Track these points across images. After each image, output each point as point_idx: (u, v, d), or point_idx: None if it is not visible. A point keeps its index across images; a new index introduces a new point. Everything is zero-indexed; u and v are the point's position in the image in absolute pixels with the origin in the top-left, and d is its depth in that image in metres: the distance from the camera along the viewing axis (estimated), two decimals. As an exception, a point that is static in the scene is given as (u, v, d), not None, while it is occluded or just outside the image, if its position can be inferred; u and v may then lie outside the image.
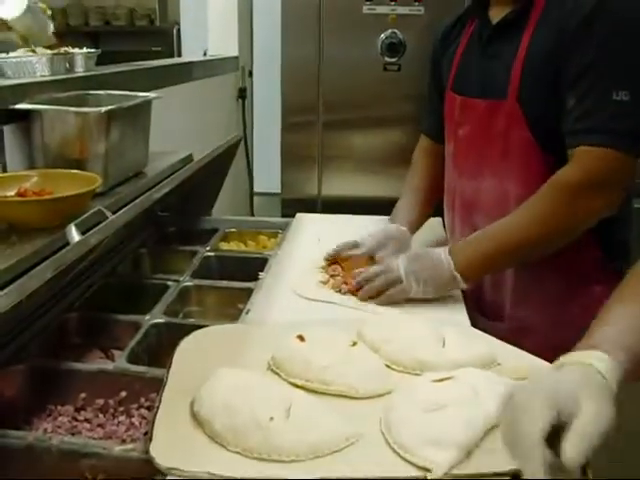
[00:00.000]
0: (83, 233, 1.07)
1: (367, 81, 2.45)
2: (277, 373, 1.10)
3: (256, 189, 3.60)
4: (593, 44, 1.27)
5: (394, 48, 2.38)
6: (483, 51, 1.50)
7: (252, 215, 3.52)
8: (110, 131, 1.43)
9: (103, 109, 1.39)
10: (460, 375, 1.03)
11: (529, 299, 1.48)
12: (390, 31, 2.39)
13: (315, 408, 0.97)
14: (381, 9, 2.37)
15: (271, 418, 0.91)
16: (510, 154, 1.41)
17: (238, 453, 0.91)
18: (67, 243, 1.10)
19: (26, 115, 1.45)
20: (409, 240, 1.64)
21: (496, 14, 1.47)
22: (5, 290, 0.83)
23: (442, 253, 1.39)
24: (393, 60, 2.41)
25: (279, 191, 2.76)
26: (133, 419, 1.16)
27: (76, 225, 1.08)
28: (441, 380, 1.01)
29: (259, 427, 0.91)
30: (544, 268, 1.43)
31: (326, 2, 2.34)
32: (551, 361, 1.15)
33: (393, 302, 1.39)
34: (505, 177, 1.43)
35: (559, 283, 1.44)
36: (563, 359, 0.90)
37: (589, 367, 0.84)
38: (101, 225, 1.08)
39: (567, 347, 1.26)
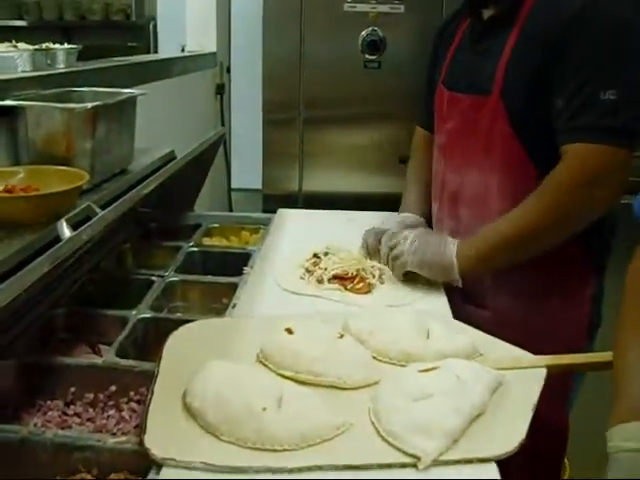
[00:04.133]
0: (73, 229, 1.08)
1: (348, 78, 2.47)
2: (266, 365, 1.12)
3: (233, 185, 3.61)
4: (578, 47, 1.31)
5: (374, 46, 2.40)
6: (473, 47, 1.55)
7: (230, 211, 3.53)
8: (96, 128, 1.44)
9: (90, 105, 1.40)
10: (445, 365, 1.06)
11: (509, 290, 1.51)
12: (371, 29, 2.41)
13: (306, 398, 1.00)
14: (362, 7, 2.39)
15: (264, 408, 0.94)
16: (493, 149, 1.45)
17: (232, 443, 0.93)
18: (56, 238, 1.10)
19: (10, 111, 1.45)
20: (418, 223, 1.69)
21: (489, 12, 1.51)
22: (3, 284, 0.84)
23: (450, 242, 1.44)
24: (373, 57, 2.43)
25: (257, 187, 2.78)
26: (123, 413, 1.16)
27: (66, 220, 1.09)
28: (427, 370, 1.04)
29: (252, 417, 0.93)
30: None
31: (307, -1, 2.37)
32: (529, 349, 1.19)
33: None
34: (488, 171, 1.47)
35: (539, 275, 1.47)
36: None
37: None
38: (92, 221, 1.09)
39: (545, 336, 1.31)
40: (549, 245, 1.39)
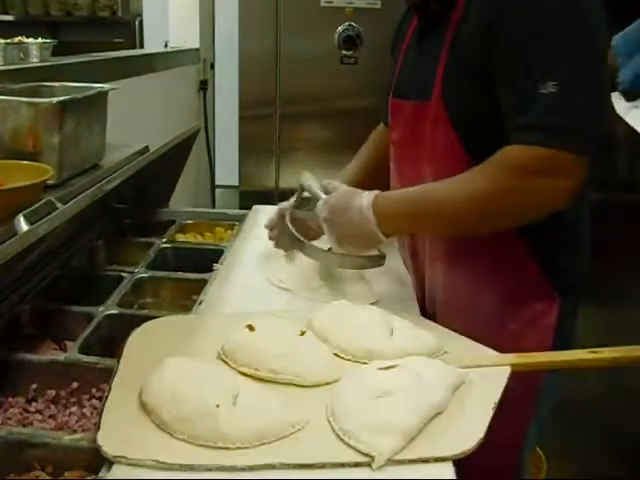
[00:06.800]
0: (33, 224, 1.07)
1: (324, 74, 2.46)
2: (226, 362, 1.11)
3: (218, 182, 3.60)
4: (515, 37, 1.17)
5: (351, 41, 2.40)
6: (417, 47, 1.41)
7: (213, 208, 3.51)
8: (63, 122, 1.42)
9: (55, 100, 1.39)
10: (406, 363, 1.05)
11: (460, 314, 1.39)
12: (347, 24, 2.40)
13: (262, 396, 0.99)
14: (338, 2, 2.38)
15: (217, 405, 0.93)
16: (438, 160, 1.33)
17: (185, 441, 0.92)
18: (16, 234, 1.09)
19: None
20: None
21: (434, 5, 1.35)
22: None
23: (364, 209, 1.28)
24: (350, 53, 2.43)
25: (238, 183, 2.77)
26: (84, 409, 1.16)
27: (25, 215, 1.08)
28: (387, 368, 1.03)
29: (205, 414, 0.92)
30: (476, 284, 1.36)
31: (284, -6, 2.37)
32: None
33: None
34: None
35: (492, 300, 1.36)
36: None
37: None
38: (51, 215, 1.08)
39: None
40: (475, 228, 1.27)
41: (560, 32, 1.15)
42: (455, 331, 1.30)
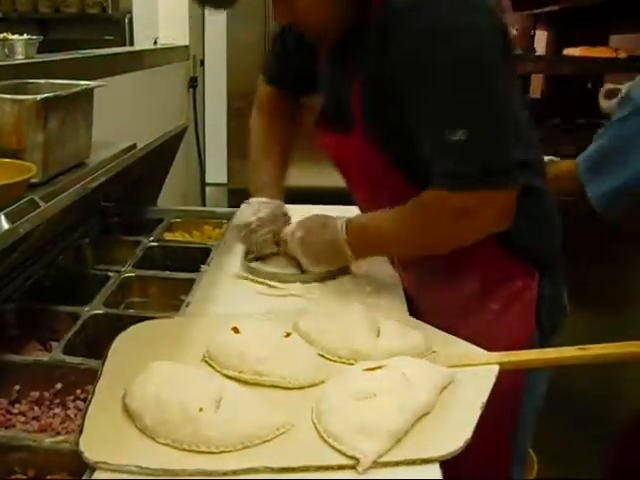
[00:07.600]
0: (14, 223, 1.05)
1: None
2: (211, 365, 1.10)
3: (208, 180, 3.57)
4: (420, 91, 1.18)
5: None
6: (332, 62, 1.41)
7: (204, 206, 3.50)
8: (48, 120, 1.40)
9: (39, 97, 1.37)
10: (392, 363, 1.04)
11: (438, 297, 1.44)
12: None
13: (246, 399, 0.98)
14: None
15: (200, 409, 0.91)
16: (377, 185, 1.38)
17: (168, 445, 0.91)
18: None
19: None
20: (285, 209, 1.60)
21: None
22: None
23: (339, 230, 1.37)
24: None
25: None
26: (68, 411, 1.15)
27: (6, 214, 1.06)
28: (372, 369, 1.02)
29: (188, 419, 0.91)
30: (453, 272, 1.39)
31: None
32: None
33: None
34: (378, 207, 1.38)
35: (471, 284, 1.39)
36: None
37: None
38: (32, 214, 1.06)
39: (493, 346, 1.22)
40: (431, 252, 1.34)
41: (462, 80, 1.15)
42: (434, 318, 1.31)
